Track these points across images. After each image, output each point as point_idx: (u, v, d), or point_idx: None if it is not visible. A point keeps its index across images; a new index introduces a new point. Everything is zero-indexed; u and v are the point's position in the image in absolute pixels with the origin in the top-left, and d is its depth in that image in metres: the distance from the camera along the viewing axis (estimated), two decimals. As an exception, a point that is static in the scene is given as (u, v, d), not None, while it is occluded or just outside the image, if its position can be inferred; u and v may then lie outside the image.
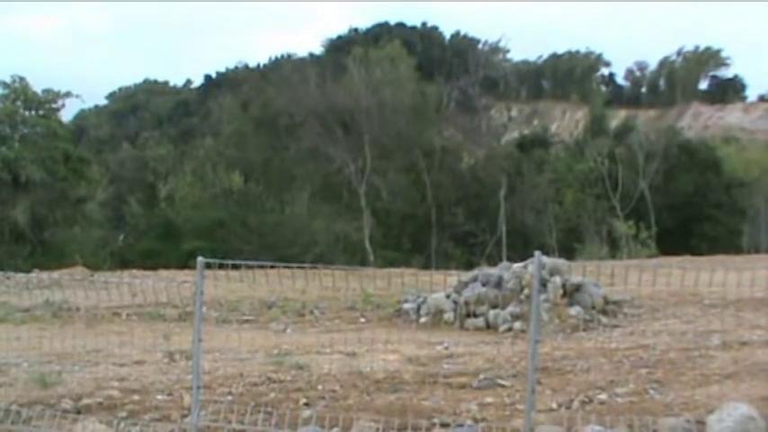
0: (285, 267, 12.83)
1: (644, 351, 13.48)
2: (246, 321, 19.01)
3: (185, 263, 35.82)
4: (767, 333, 15.13)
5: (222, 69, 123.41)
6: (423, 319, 18.80)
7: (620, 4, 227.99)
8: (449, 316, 18.52)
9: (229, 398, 9.96)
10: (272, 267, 11.80)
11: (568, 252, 52.31)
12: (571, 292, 18.15)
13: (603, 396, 10.16)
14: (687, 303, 19.64)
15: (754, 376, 11.28)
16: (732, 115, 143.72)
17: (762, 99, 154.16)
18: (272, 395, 10.24)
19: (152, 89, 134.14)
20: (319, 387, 10.76)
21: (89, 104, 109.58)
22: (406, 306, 19.74)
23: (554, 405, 9.75)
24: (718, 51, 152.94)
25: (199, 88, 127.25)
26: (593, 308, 18.15)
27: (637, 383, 10.87)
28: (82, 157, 62.72)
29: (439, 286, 19.76)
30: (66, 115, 75.02)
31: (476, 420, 9.02)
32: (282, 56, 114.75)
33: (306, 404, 9.78)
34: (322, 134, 63.29)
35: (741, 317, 17.43)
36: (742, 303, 18.93)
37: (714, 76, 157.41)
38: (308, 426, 8.63)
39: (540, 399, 9.44)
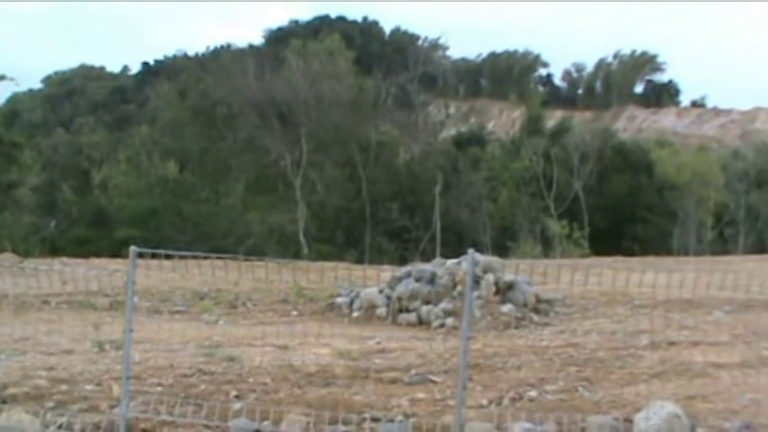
0: (218, 258, 12.75)
1: (574, 349, 13.60)
2: (178, 312, 18.83)
3: (118, 251, 35.44)
4: (694, 334, 15.36)
5: (161, 57, 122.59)
6: (355, 314, 18.78)
7: (560, 6, 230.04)
8: (381, 311, 18.52)
9: (159, 389, 9.87)
10: (205, 258, 11.71)
11: (502, 250, 52.64)
12: (504, 290, 18.25)
13: (534, 393, 10.24)
14: (617, 303, 19.85)
15: (680, 376, 11.46)
16: (666, 119, 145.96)
17: (695, 104, 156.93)
18: (203, 387, 10.16)
19: (88, 74, 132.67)
20: (250, 380, 10.70)
21: (23, 88, 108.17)
22: (339, 300, 19.71)
23: (484, 401, 9.80)
24: (654, 56, 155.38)
25: (136, 75, 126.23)
26: (526, 306, 18.27)
27: (566, 381, 10.98)
28: (14, 141, 61.52)
29: (372, 281, 19.74)
30: (-1, 99, 73.89)
31: (406, 416, 9.03)
32: (222, 46, 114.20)
33: (236, 397, 9.72)
34: (259, 125, 62.97)
35: (669, 317, 17.67)
36: (671, 304, 19.19)
37: (649, 81, 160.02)
38: (239, 418, 8.59)
39: (470, 395, 9.48)
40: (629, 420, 8.41)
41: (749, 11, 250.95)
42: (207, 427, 8.42)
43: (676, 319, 17.38)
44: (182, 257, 10.43)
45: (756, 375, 11.48)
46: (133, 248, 8.39)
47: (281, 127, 62.95)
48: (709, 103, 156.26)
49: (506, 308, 17.68)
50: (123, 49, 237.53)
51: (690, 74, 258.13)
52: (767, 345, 14.03)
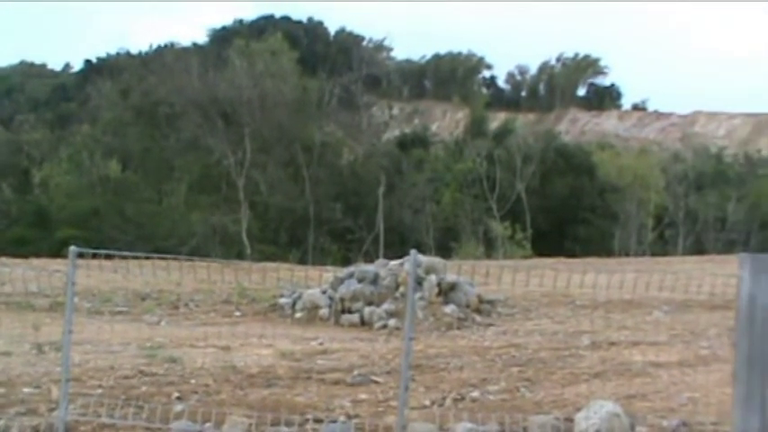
0: (160, 258, 12.64)
1: (516, 350, 13.70)
2: (119, 313, 18.64)
3: (58, 251, 34.95)
4: (634, 334, 15.55)
5: (103, 55, 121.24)
6: (298, 315, 18.74)
7: (505, 8, 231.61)
8: (324, 312, 18.50)
9: (99, 391, 9.78)
10: (147, 258, 11.63)
11: (445, 251, 52.79)
12: (446, 291, 18.33)
13: (476, 393, 10.29)
14: (559, 304, 20.04)
15: (620, 375, 11.60)
16: (608, 122, 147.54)
17: (636, 108, 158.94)
18: (144, 389, 10.09)
19: (28, 71, 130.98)
20: (192, 381, 10.64)
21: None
22: (282, 301, 19.66)
23: (427, 402, 9.84)
24: (597, 60, 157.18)
25: (78, 73, 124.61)
26: (468, 307, 18.36)
27: (508, 381, 11.05)
28: (-49, 139, 60.65)
29: (315, 282, 19.74)
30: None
31: (349, 416, 9.04)
32: (165, 45, 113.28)
33: (178, 398, 9.66)
34: (202, 125, 62.48)
35: (610, 318, 17.88)
36: (611, 305, 19.41)
37: (592, 84, 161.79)
38: (180, 420, 8.52)
39: (413, 396, 9.51)
40: (569, 420, 8.49)
41: (690, 16, 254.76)
42: (148, 429, 8.34)
43: (617, 320, 17.60)
44: (123, 258, 10.34)
45: (694, 374, 11.66)
46: (73, 248, 8.29)
47: (224, 127, 62.55)
48: (650, 107, 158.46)
49: (449, 309, 17.76)
50: (65, 47, 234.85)
51: (631, 78, 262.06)
52: (705, 344, 14.25)
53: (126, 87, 72.70)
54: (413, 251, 8.40)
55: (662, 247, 66.97)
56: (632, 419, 8.51)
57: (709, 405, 9.48)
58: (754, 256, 7.89)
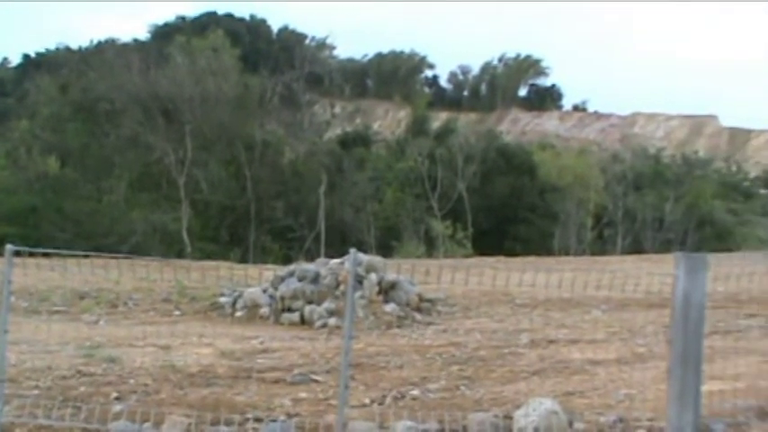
0: (99, 257, 12.52)
1: (456, 348, 13.77)
2: (57, 312, 18.40)
3: (-6, 250, 34.53)
4: (573, 332, 15.70)
5: (42, 50, 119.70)
6: (238, 313, 18.66)
7: (448, 8, 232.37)
8: (264, 310, 18.44)
9: (36, 392, 9.67)
10: (85, 257, 11.50)
11: (386, 250, 52.88)
12: (387, 290, 18.37)
13: (416, 392, 10.33)
14: (499, 303, 20.16)
15: (558, 373, 11.71)
16: (549, 122, 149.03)
17: (576, 108, 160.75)
18: (82, 389, 9.99)
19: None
20: (131, 381, 10.56)
21: None
22: (222, 300, 19.56)
23: (367, 400, 9.85)
24: (538, 61, 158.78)
25: (16, 68, 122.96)
26: (408, 305, 18.42)
27: (448, 380, 11.11)
28: None
29: (255, 280, 19.67)
30: None
31: (289, 415, 9.02)
32: (106, 40, 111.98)
33: (117, 398, 9.57)
34: (143, 122, 61.90)
35: (549, 316, 18.02)
36: (551, 303, 19.57)
37: (533, 84, 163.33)
38: (119, 421, 8.45)
39: (353, 394, 9.53)
40: (509, 417, 8.55)
41: (630, 18, 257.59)
42: (86, 430, 8.26)
43: (556, 318, 17.75)
44: (61, 256, 10.23)
45: (631, 371, 11.80)
46: (9, 246, 8.19)
47: (165, 124, 62.04)
48: (591, 108, 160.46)
49: (389, 307, 17.80)
50: (2, 41, 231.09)
51: (572, 79, 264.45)
52: (641, 342, 14.44)
53: (65, 83, 71.77)
54: (352, 250, 8.42)
55: (601, 246, 67.67)
56: (570, 416, 8.59)
57: (645, 401, 9.60)
58: (689, 255, 8.05)
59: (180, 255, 51.14)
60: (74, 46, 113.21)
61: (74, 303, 19.62)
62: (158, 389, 10.21)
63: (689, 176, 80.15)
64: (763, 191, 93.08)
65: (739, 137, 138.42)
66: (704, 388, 8.34)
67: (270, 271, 21.24)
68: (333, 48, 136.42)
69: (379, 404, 9.73)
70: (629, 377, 11.33)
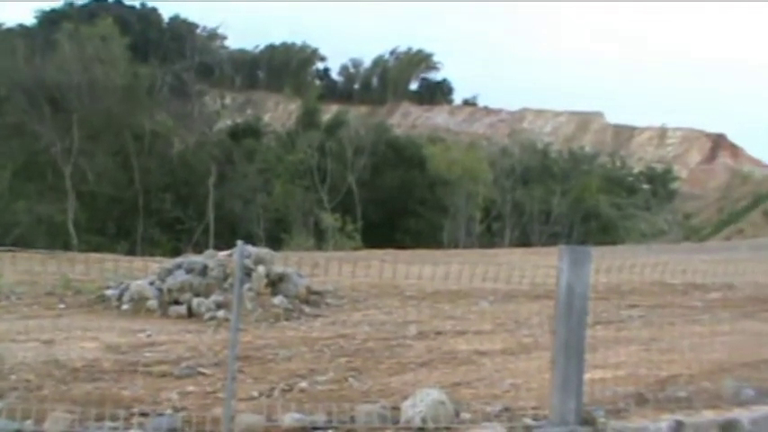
0: (-22, 249, 12.18)
1: (344, 340, 13.77)
2: (-66, 306, 17.88)
3: None
4: (460, 323, 15.83)
5: None
6: (125, 306, 18.31)
7: (341, 1, 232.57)
8: (152, 303, 18.13)
9: None
10: (-36, 248, 11.18)
11: (275, 242, 52.69)
12: (275, 282, 18.27)
13: (304, 384, 10.30)
14: (388, 295, 20.20)
15: (446, 364, 11.80)
16: (439, 116, 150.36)
17: (467, 103, 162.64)
18: (-41, 386, 9.71)
19: None
20: (12, 377, 10.27)
21: None
22: (109, 293, 19.18)
23: (255, 393, 9.79)
24: (430, 55, 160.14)
25: None
26: (297, 298, 18.34)
27: (336, 372, 11.10)
28: None
29: (142, 273, 19.35)
30: None
31: (176, 409, 8.90)
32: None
33: (-4, 395, 9.33)
34: (28, 110, 60.54)
35: (437, 308, 18.12)
36: (439, 295, 19.69)
37: (424, 78, 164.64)
38: (-2, 417, 8.24)
39: (241, 387, 9.44)
40: (396, 408, 8.57)
41: (520, 16, 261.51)
42: (-38, 427, 8.04)
43: (444, 310, 17.85)
44: (-63, 248, 9.90)
45: (516, 361, 11.96)
46: None
47: (51, 112, 60.75)
48: (481, 103, 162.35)
49: (278, 300, 17.70)
50: None
51: (463, 74, 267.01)
52: (527, 332, 14.63)
53: (-55, 69, 69.79)
54: (239, 242, 8.35)
55: (490, 239, 68.65)
56: (457, 406, 8.66)
57: (530, 390, 9.74)
58: (572, 247, 8.19)
59: (66, 247, 50.10)
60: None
61: (-48, 297, 19.06)
62: (41, 384, 9.95)
63: (575, 171, 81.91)
64: (645, 186, 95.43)
65: (623, 133, 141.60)
66: (587, 376, 8.51)
67: (157, 263, 20.94)
68: (224, 38, 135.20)
69: (267, 397, 9.67)
70: (515, 367, 11.47)
